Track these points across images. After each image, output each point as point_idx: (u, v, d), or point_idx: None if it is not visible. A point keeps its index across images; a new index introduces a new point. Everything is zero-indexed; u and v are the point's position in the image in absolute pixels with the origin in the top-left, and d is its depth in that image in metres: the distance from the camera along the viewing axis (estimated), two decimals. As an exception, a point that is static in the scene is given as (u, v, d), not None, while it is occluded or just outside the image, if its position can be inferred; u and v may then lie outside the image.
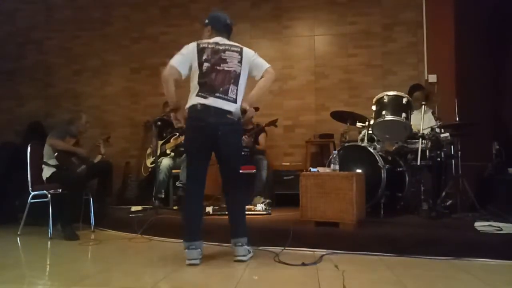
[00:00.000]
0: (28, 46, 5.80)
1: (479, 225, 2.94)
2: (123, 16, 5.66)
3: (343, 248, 2.80)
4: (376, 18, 5.10)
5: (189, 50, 2.64)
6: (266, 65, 2.68)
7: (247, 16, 5.37)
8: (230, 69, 2.60)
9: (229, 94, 2.58)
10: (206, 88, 2.57)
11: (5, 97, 5.77)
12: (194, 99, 2.58)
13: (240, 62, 2.63)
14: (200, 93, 2.57)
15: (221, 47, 2.63)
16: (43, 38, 5.77)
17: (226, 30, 2.74)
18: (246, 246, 2.60)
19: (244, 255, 2.58)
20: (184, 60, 2.63)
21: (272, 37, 5.35)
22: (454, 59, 4.60)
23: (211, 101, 2.54)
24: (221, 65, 2.59)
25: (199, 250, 2.54)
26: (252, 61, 2.66)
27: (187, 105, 2.63)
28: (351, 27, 5.15)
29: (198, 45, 2.64)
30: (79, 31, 5.71)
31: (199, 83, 2.59)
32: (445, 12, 4.75)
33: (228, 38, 2.74)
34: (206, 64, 2.59)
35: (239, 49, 2.66)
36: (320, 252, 2.77)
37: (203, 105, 2.54)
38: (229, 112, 2.57)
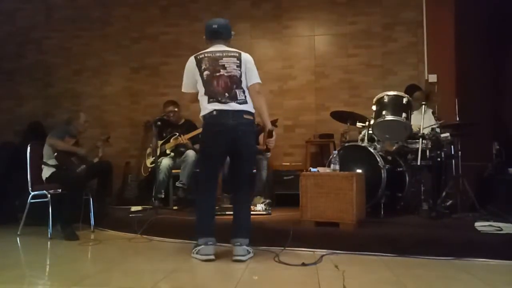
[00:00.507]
0: (28, 46, 5.79)
1: (479, 225, 2.94)
2: (123, 16, 5.65)
3: (343, 248, 2.80)
4: (376, 18, 5.09)
5: (188, 67, 2.75)
6: (256, 79, 2.71)
7: (247, 16, 5.37)
8: (230, 74, 2.66)
9: (239, 97, 2.65)
10: (214, 95, 2.64)
11: (5, 97, 5.76)
12: (208, 106, 2.64)
13: (239, 66, 2.69)
14: (211, 100, 2.64)
15: (217, 54, 2.70)
16: (43, 38, 5.77)
17: (217, 36, 2.77)
18: (245, 247, 2.60)
19: (242, 255, 2.57)
20: (188, 80, 2.77)
21: (272, 37, 5.35)
22: (454, 59, 4.60)
23: (226, 106, 2.61)
24: (221, 71, 2.66)
25: (214, 246, 2.64)
26: (248, 67, 2.71)
27: (202, 113, 2.70)
28: (351, 27, 5.15)
29: (195, 57, 2.73)
30: (79, 31, 5.71)
31: (205, 92, 2.66)
32: (445, 12, 4.75)
33: (225, 42, 2.78)
34: (206, 73, 2.67)
35: (237, 54, 2.72)
36: (320, 252, 2.77)
37: (219, 110, 2.61)
38: (246, 112, 2.64)
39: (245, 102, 2.67)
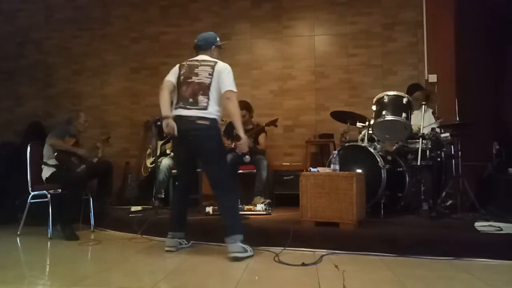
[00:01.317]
0: (28, 46, 5.80)
1: (479, 225, 2.94)
2: (122, 16, 5.66)
3: (343, 248, 2.80)
4: (376, 18, 5.09)
5: (175, 69, 2.96)
6: (228, 87, 2.79)
7: (247, 15, 5.37)
8: (200, 81, 2.81)
9: (200, 104, 2.78)
10: (180, 100, 2.84)
11: (5, 97, 5.77)
12: (173, 112, 2.83)
13: (211, 74, 2.82)
14: (176, 105, 2.84)
15: (195, 63, 2.91)
16: (43, 38, 5.77)
17: (198, 48, 2.99)
18: (239, 243, 2.64)
19: (238, 252, 2.62)
20: (172, 73, 2.95)
21: (272, 37, 5.35)
22: (454, 59, 4.60)
23: (183, 112, 2.78)
24: (192, 77, 2.83)
25: (176, 240, 2.90)
26: (221, 76, 2.80)
27: None
28: (351, 27, 5.15)
29: (180, 64, 2.95)
30: (79, 31, 5.71)
31: (176, 96, 2.87)
32: (445, 11, 4.75)
33: (207, 53, 2.94)
34: (181, 78, 2.90)
35: (212, 64, 2.86)
36: (320, 252, 2.77)
37: (177, 116, 2.79)
38: (200, 118, 2.75)
39: (205, 108, 2.77)
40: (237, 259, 2.59)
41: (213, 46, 2.97)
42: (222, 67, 2.84)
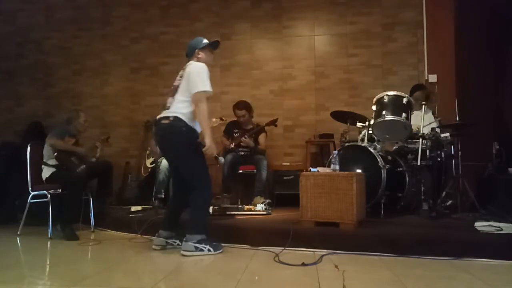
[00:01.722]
0: (28, 46, 5.80)
1: (479, 225, 2.94)
2: (123, 16, 5.66)
3: (343, 248, 2.79)
4: (376, 18, 5.10)
5: None
6: (195, 89, 2.74)
7: (247, 16, 5.37)
8: (175, 85, 2.88)
9: (167, 106, 2.85)
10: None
11: (5, 97, 5.77)
12: None
13: (182, 76, 2.86)
14: None
15: (181, 71, 2.92)
16: (43, 38, 5.78)
17: (188, 57, 3.00)
18: (191, 243, 2.71)
19: (187, 250, 2.70)
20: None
21: (272, 37, 5.35)
22: (454, 59, 4.60)
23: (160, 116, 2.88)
24: (173, 84, 2.92)
25: (161, 239, 2.93)
26: (190, 77, 2.77)
27: None
28: (351, 27, 5.15)
29: None
30: (79, 31, 5.72)
31: None
32: (445, 11, 4.75)
33: (193, 58, 2.94)
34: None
35: (186, 66, 2.88)
36: (320, 252, 2.77)
37: None
38: (163, 118, 2.80)
39: (169, 108, 2.83)
40: (183, 256, 2.70)
41: (196, 50, 2.94)
42: (192, 67, 2.81)
